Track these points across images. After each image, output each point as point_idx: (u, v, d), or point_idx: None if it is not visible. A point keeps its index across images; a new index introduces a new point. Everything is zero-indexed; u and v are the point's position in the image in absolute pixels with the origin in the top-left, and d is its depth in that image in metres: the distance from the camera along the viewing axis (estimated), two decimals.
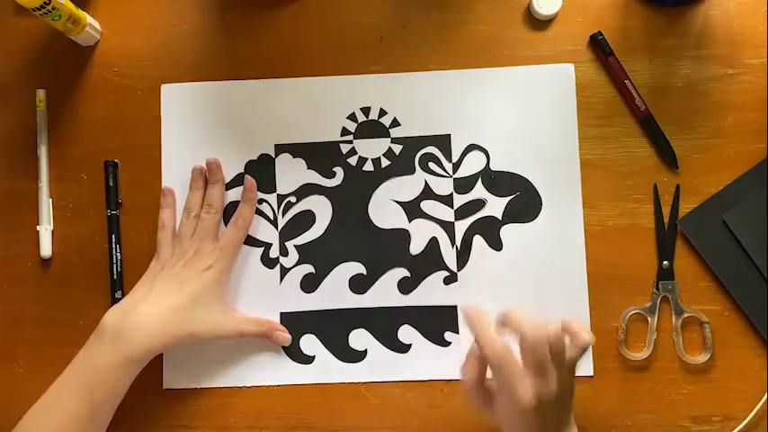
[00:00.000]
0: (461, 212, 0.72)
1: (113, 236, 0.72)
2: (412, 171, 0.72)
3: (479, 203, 0.72)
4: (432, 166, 0.72)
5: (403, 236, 0.72)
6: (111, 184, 0.73)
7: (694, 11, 0.72)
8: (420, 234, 0.72)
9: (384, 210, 0.72)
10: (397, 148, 0.73)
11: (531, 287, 0.70)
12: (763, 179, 0.70)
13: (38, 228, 0.73)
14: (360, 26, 0.74)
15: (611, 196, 0.71)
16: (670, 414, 0.69)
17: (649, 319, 0.69)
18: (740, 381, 0.69)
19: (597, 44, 0.72)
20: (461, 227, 0.72)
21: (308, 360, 0.71)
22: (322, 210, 0.72)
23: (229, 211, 0.72)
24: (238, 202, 0.72)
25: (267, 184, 0.73)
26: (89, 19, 0.73)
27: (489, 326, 0.58)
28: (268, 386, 0.71)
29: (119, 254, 0.72)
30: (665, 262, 0.70)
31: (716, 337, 0.69)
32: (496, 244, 0.71)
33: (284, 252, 0.72)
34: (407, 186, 0.72)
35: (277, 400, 0.71)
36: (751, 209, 0.69)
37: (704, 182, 0.71)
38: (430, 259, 0.71)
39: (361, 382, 0.71)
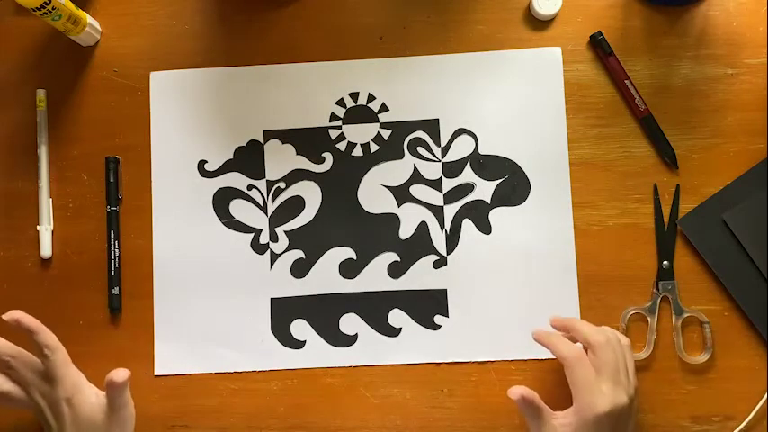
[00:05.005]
0: (450, 196, 0.72)
1: (112, 231, 0.72)
2: (401, 156, 0.72)
3: (468, 187, 0.72)
4: (420, 150, 0.72)
5: (392, 220, 0.72)
6: (111, 180, 0.73)
7: (694, 11, 0.72)
8: (409, 218, 0.72)
9: (373, 195, 0.72)
10: (386, 133, 0.73)
11: (520, 270, 0.71)
12: (763, 179, 0.70)
13: (38, 228, 0.73)
14: (360, 26, 0.74)
15: (610, 196, 0.71)
16: (670, 414, 0.69)
17: (649, 319, 0.69)
18: (740, 381, 0.69)
19: (597, 44, 0.72)
20: (450, 211, 0.72)
21: (298, 345, 0.71)
22: (311, 195, 0.72)
23: (217, 198, 0.72)
24: (227, 188, 0.72)
25: (256, 170, 0.73)
26: (89, 19, 0.73)
27: (559, 335, 0.64)
28: (268, 386, 0.71)
29: (117, 250, 0.72)
30: (665, 262, 0.70)
31: (716, 337, 0.69)
32: (485, 227, 0.71)
33: (274, 238, 0.72)
34: (396, 171, 0.72)
35: (277, 400, 0.71)
36: (751, 209, 0.69)
37: (704, 182, 0.71)
38: (419, 243, 0.72)
39: (353, 366, 0.70)
